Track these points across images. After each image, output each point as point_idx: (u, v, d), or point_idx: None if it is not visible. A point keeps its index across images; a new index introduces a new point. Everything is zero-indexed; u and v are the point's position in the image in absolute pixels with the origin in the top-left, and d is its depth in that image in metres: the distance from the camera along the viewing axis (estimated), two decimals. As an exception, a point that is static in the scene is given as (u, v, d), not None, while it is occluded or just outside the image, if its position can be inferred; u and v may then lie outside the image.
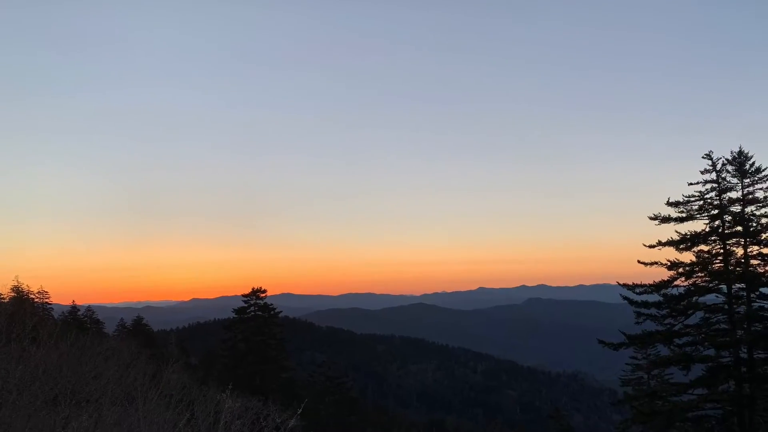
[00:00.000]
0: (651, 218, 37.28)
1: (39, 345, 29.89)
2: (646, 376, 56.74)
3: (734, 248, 35.48)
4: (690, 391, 35.70)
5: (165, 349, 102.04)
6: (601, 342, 38.25)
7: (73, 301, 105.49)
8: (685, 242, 36.15)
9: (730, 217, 35.40)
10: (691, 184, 36.38)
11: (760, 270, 34.64)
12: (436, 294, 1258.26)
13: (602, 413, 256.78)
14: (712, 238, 35.66)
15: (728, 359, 34.72)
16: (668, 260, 36.34)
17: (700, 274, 35.60)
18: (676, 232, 36.72)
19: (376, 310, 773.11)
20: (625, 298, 36.88)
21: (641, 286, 36.54)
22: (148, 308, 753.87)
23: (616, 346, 37.47)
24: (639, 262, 37.11)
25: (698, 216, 36.32)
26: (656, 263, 36.59)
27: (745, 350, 34.08)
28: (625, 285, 36.85)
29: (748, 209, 35.27)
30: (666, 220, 36.98)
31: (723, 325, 34.88)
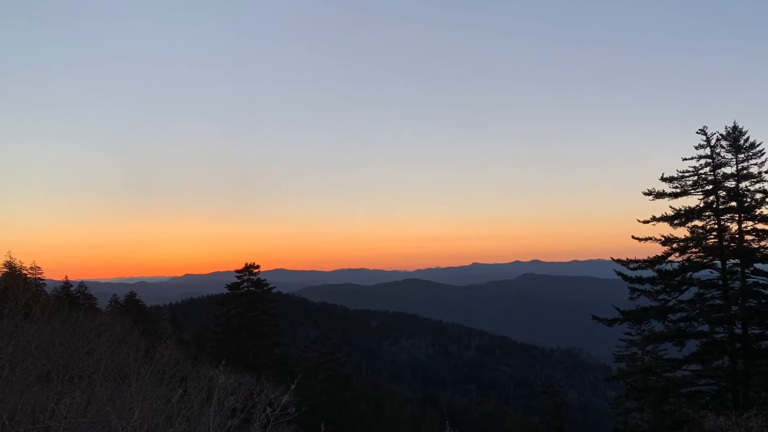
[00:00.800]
0: (645, 194, 37.14)
1: (32, 321, 29.76)
2: (640, 352, 56.78)
3: (728, 223, 35.42)
4: (684, 367, 35.72)
5: (158, 324, 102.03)
6: (595, 318, 38.21)
7: (66, 276, 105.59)
8: (679, 218, 36.07)
9: (724, 193, 35.32)
10: (685, 159, 36.28)
11: (755, 245, 34.58)
12: (429, 269, 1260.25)
13: (596, 389, 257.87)
14: (707, 213, 35.58)
15: (722, 335, 34.72)
16: (662, 236, 36.30)
17: (694, 250, 35.56)
18: (671, 207, 36.68)
19: (369, 286, 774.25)
20: (620, 273, 36.84)
21: (635, 261, 36.48)
22: (141, 284, 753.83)
23: (610, 322, 37.44)
24: (633, 237, 37.08)
25: (692, 191, 36.23)
26: (650, 239, 36.53)
27: (740, 326, 34.07)
28: (619, 260, 36.78)
29: (743, 184, 35.17)
30: (660, 195, 36.86)
31: (717, 301, 34.84)
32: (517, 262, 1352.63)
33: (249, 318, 73.46)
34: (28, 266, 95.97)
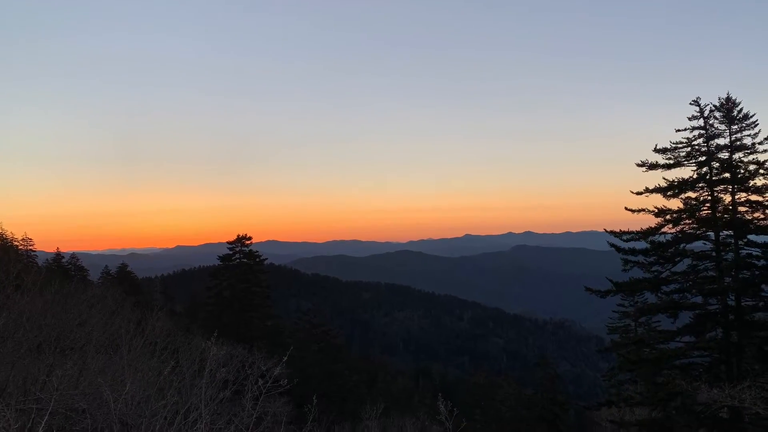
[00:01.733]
0: (638, 165, 37.04)
1: (23, 292, 29.69)
2: (633, 324, 56.91)
3: (722, 195, 35.30)
4: (677, 339, 35.73)
5: (150, 296, 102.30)
6: (588, 289, 38.18)
7: (58, 248, 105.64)
8: (672, 189, 35.96)
9: (717, 164, 35.18)
10: (678, 130, 36.12)
11: (748, 217, 34.52)
12: (422, 241, 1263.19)
13: (589, 361, 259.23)
14: (700, 184, 35.46)
15: (716, 306, 34.73)
16: (656, 207, 36.21)
17: (687, 221, 35.48)
18: (664, 179, 36.52)
19: (361, 258, 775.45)
20: (612, 245, 36.78)
21: (628, 233, 36.38)
22: (133, 255, 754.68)
23: (603, 294, 37.41)
24: (626, 209, 36.98)
25: (686, 163, 36.09)
26: (643, 210, 36.45)
27: (733, 297, 34.09)
28: (612, 232, 36.69)
29: (736, 156, 35.05)
30: (653, 166, 36.72)
31: (710, 273, 34.80)
32: (509, 233, 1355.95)
33: (241, 290, 73.51)
34: (20, 238, 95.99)
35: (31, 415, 13.10)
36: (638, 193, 36.88)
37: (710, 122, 35.54)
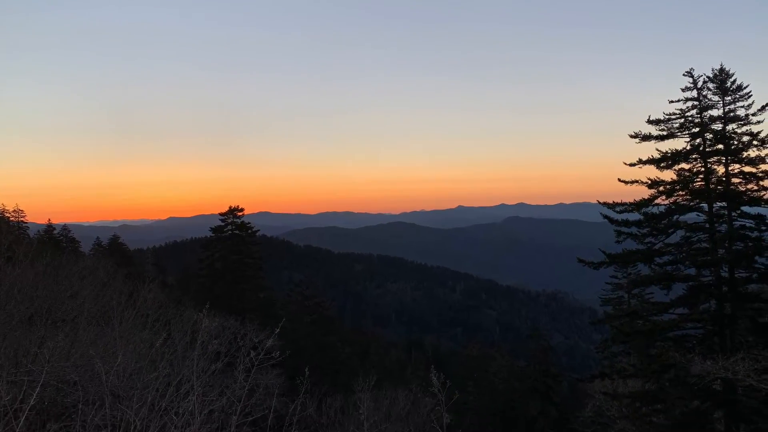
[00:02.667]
0: (632, 136, 36.90)
1: (14, 264, 29.65)
2: (626, 296, 57.03)
3: (715, 166, 35.21)
4: (670, 311, 35.73)
5: (141, 268, 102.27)
6: (581, 261, 38.15)
7: (49, 219, 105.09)
8: (665, 160, 35.85)
9: (711, 135, 35.05)
10: (672, 101, 35.97)
11: (742, 188, 34.43)
12: (414, 212, 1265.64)
13: (582, 332, 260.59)
14: (693, 156, 35.34)
15: (709, 278, 34.74)
16: (649, 178, 36.10)
17: (680, 193, 35.40)
18: (657, 150, 36.37)
19: (354, 229, 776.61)
20: (605, 216, 36.70)
21: (621, 204, 36.29)
22: (125, 227, 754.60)
23: (596, 265, 37.37)
24: (619, 180, 36.89)
25: (679, 134, 35.96)
26: (637, 181, 36.35)
27: (726, 269, 34.10)
28: (605, 203, 36.59)
29: (729, 127, 34.94)
30: (647, 138, 36.60)
31: (704, 244, 34.78)
32: (502, 205, 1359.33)
33: (233, 262, 73.48)
34: (11, 209, 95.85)
35: (23, 387, 13.03)
36: (631, 165, 36.78)
37: (703, 93, 35.42)
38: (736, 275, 34.12)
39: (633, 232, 35.91)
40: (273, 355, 12.80)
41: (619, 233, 36.18)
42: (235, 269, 73.28)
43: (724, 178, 34.93)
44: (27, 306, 24.83)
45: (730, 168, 34.95)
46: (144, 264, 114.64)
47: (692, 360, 30.36)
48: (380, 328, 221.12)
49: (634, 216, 36.14)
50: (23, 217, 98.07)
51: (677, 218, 35.31)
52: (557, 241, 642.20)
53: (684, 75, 35.63)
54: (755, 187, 34.34)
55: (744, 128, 34.81)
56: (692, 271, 35.31)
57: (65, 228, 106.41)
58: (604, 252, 37.48)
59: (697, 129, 35.29)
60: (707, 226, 34.64)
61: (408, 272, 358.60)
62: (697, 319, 34.73)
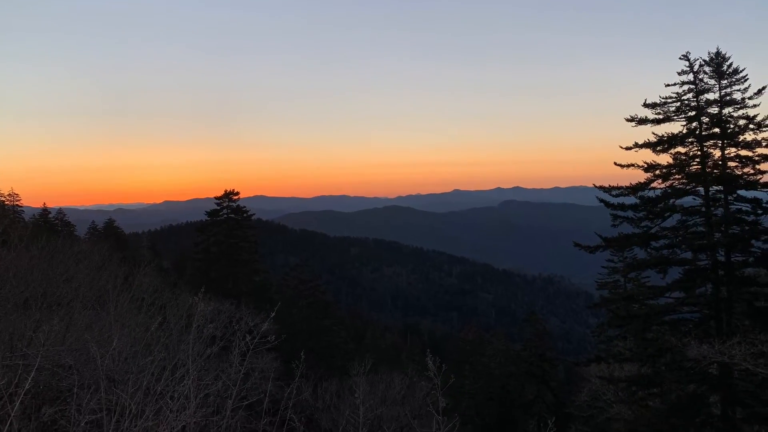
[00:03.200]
0: (628, 120, 36.83)
1: (9, 248, 29.60)
2: (622, 279, 56.99)
3: (711, 150, 35.15)
4: (667, 295, 35.76)
5: (137, 252, 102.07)
6: (577, 245, 38.14)
7: (44, 203, 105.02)
8: (662, 144, 35.80)
9: (707, 119, 35.00)
10: (668, 85, 35.89)
11: (738, 172, 34.40)
12: (410, 196, 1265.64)
13: (578, 316, 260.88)
14: (690, 139, 35.29)
15: (705, 262, 34.71)
16: (645, 162, 36.02)
17: (677, 176, 35.37)
18: (653, 134, 36.32)
19: (349, 213, 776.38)
20: (602, 200, 36.67)
21: (618, 188, 36.28)
22: (120, 210, 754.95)
23: (592, 249, 37.35)
24: (615, 164, 36.78)
25: (675, 117, 35.89)
26: (633, 165, 36.28)
27: (723, 253, 34.10)
28: (601, 187, 36.58)
29: (726, 110, 34.88)
30: (643, 121, 36.52)
31: (700, 228, 34.78)
32: (498, 188, 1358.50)
33: (228, 245, 73.43)
34: (6, 193, 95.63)
35: (18, 371, 12.98)
36: (627, 149, 36.72)
37: (700, 77, 35.37)
38: (732, 259, 34.12)
39: (629, 216, 35.87)
40: (269, 339, 12.76)
41: (615, 217, 36.17)
42: (231, 253, 73.24)
43: (720, 162, 34.88)
44: (22, 290, 24.80)
45: (726, 152, 34.91)
46: (139, 248, 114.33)
47: (688, 344, 30.34)
48: (376, 312, 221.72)
49: (630, 200, 36.13)
50: (18, 201, 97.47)
51: (673, 202, 35.29)
52: (553, 225, 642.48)
53: (680, 58, 35.57)
54: (751, 171, 34.33)
55: (740, 112, 34.78)
56: (688, 254, 35.30)
57: (60, 212, 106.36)
58: (600, 236, 37.49)
59: (694, 113, 35.26)
60: (703, 209, 34.62)
61: (404, 256, 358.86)
62: (694, 303, 34.75)
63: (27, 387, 10.58)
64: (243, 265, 73.82)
